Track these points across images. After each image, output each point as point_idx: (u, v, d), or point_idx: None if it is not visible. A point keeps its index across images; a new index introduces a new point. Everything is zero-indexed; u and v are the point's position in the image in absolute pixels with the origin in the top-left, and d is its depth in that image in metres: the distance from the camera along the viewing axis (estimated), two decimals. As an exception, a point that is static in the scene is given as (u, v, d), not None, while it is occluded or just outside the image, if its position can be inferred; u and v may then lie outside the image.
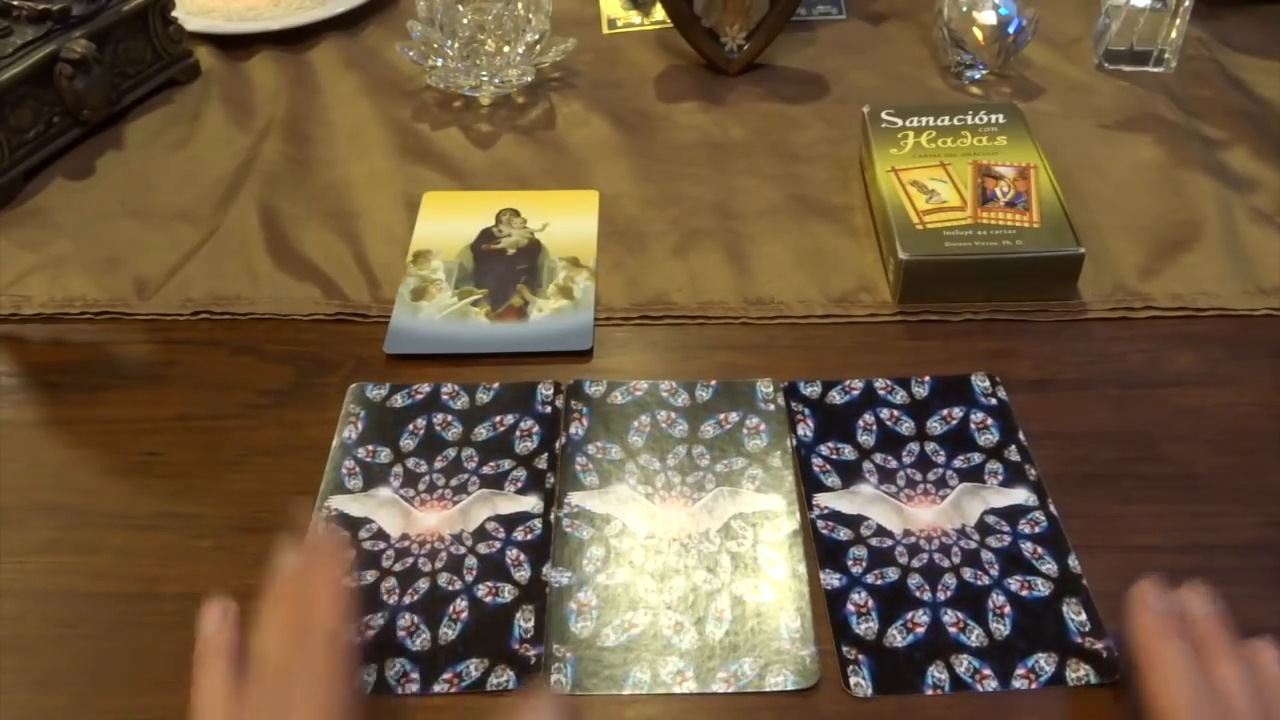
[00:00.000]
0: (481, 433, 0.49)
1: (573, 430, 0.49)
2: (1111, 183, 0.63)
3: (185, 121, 0.70)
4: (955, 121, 0.61)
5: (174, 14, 0.71)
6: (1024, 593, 0.42)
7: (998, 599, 0.42)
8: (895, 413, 0.49)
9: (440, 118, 0.70)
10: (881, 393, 0.50)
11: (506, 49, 0.70)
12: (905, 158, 0.59)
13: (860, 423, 0.49)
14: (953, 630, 0.41)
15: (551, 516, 0.45)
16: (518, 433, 0.49)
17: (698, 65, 0.74)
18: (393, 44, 0.75)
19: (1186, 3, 0.69)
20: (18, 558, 0.44)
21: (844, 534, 0.44)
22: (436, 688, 0.39)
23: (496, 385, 0.51)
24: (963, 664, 0.40)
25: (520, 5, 0.70)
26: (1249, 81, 0.71)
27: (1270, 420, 0.49)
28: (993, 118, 0.61)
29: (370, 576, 0.43)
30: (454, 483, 0.47)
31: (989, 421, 0.49)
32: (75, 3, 0.64)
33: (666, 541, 0.44)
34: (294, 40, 0.76)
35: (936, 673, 0.40)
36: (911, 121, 0.61)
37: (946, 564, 0.43)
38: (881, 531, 0.44)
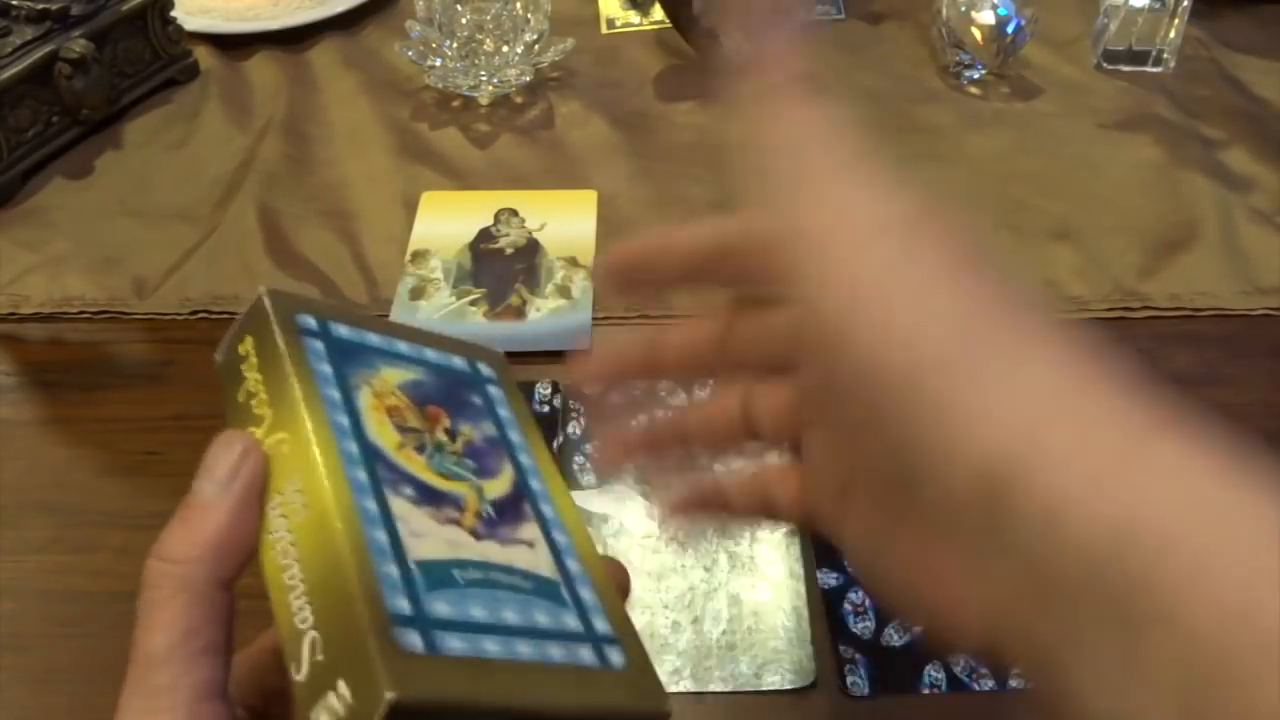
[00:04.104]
0: (479, 432, 0.48)
1: (570, 429, 0.49)
2: (1109, 182, 0.63)
3: (184, 121, 0.70)
4: None
5: (173, 14, 0.71)
6: (1021, 592, 0.42)
7: (995, 598, 0.42)
8: (893, 412, 0.49)
9: (439, 117, 0.70)
10: (879, 392, 0.50)
11: (505, 49, 0.70)
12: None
13: (858, 422, 0.49)
14: (950, 629, 0.41)
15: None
16: (516, 432, 0.48)
17: (697, 65, 0.74)
18: (391, 44, 0.75)
19: (1185, 2, 0.69)
20: (16, 556, 0.44)
21: (841, 533, 0.44)
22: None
23: (495, 384, 0.50)
24: (960, 663, 0.40)
25: (519, 5, 0.70)
26: (1248, 81, 0.71)
27: (1268, 420, 0.49)
28: None
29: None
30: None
31: (987, 421, 0.49)
32: (74, 2, 0.64)
33: (664, 540, 0.44)
34: (293, 40, 0.76)
35: (933, 672, 0.40)
36: None
37: (944, 563, 0.43)
38: (879, 531, 0.44)
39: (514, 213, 0.61)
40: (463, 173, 0.65)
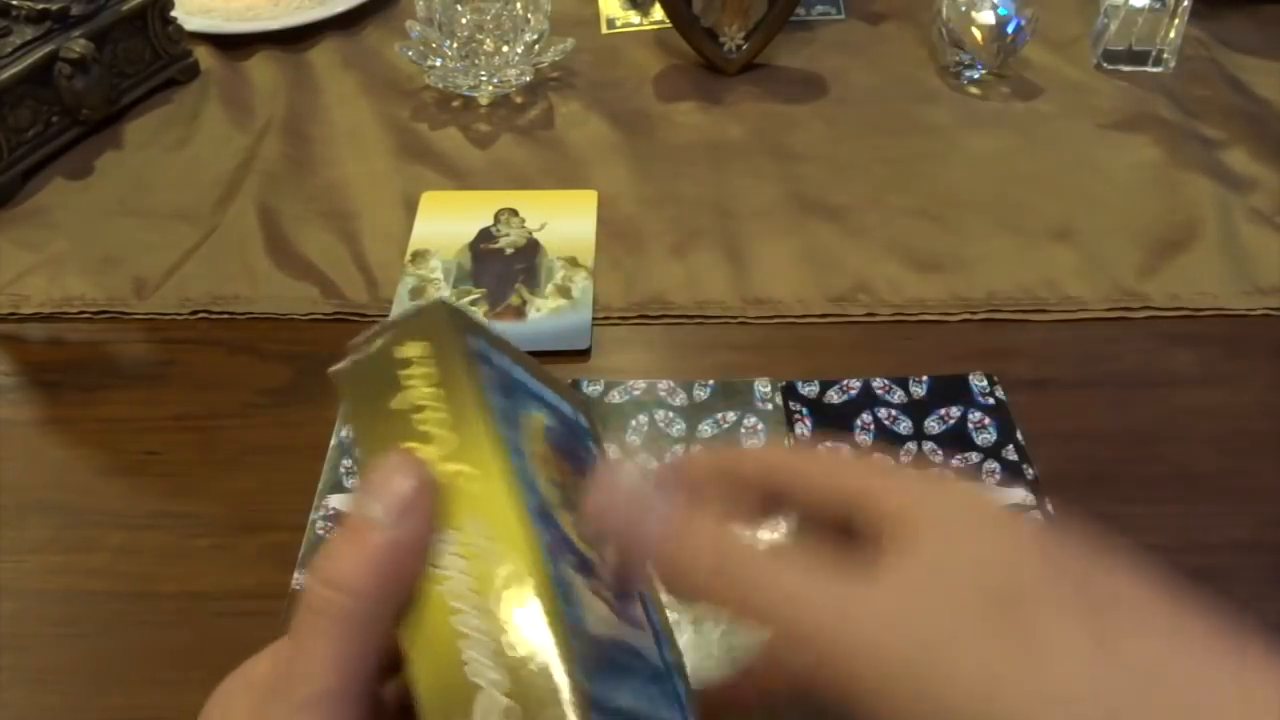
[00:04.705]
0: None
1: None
2: (1109, 182, 0.63)
3: (184, 121, 0.70)
4: None
5: (173, 14, 0.71)
6: (1021, 592, 0.42)
7: (995, 598, 0.42)
8: (893, 412, 0.49)
9: (439, 117, 0.70)
10: (879, 392, 0.50)
11: (505, 49, 0.70)
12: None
13: (858, 422, 0.49)
14: (950, 629, 0.41)
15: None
16: (514, 433, 0.47)
17: (696, 65, 0.74)
18: (392, 44, 0.75)
19: (1185, 2, 0.69)
20: (15, 556, 0.44)
21: (841, 533, 0.44)
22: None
23: (493, 385, 0.50)
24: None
25: (519, 5, 0.70)
26: (1247, 81, 0.71)
27: (1268, 420, 0.49)
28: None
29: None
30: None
31: (987, 421, 0.49)
32: (74, 2, 0.64)
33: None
34: (293, 40, 0.76)
35: (933, 672, 0.40)
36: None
37: (944, 563, 0.43)
38: (879, 531, 0.44)
39: (514, 213, 0.61)
40: (463, 173, 0.65)
